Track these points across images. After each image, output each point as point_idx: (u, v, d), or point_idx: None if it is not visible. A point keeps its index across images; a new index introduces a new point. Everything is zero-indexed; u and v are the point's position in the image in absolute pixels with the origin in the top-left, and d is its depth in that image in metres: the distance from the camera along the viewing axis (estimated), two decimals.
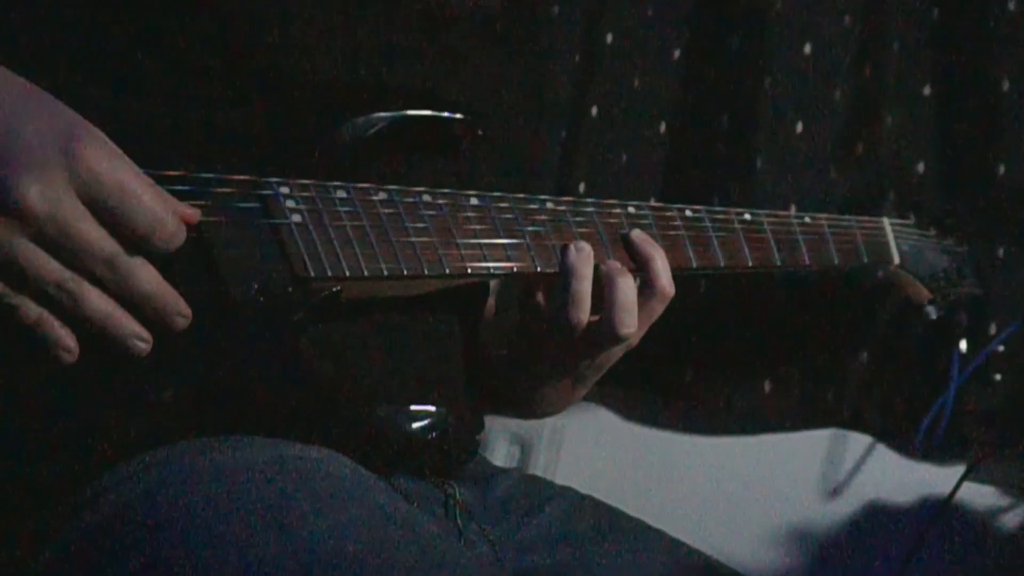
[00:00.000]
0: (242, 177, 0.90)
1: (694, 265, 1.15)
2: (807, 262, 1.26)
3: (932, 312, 1.45)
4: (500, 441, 1.73)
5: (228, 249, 0.87)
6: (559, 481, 1.29)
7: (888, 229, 1.39)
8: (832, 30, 1.62)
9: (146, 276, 0.82)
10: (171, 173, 0.86)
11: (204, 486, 0.83)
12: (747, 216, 1.22)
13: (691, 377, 1.66)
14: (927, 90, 1.63)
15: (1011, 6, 1.56)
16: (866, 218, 1.37)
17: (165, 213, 0.81)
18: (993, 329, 1.56)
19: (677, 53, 1.69)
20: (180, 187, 0.86)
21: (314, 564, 0.77)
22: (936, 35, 1.62)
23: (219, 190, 0.88)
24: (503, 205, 1.04)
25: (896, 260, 1.39)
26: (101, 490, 0.83)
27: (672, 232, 1.14)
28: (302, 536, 0.79)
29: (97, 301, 0.81)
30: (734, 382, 1.65)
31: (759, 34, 1.62)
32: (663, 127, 1.69)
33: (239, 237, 0.88)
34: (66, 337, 0.81)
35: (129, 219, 0.80)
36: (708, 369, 1.65)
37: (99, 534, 0.82)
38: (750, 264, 1.20)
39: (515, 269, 1.04)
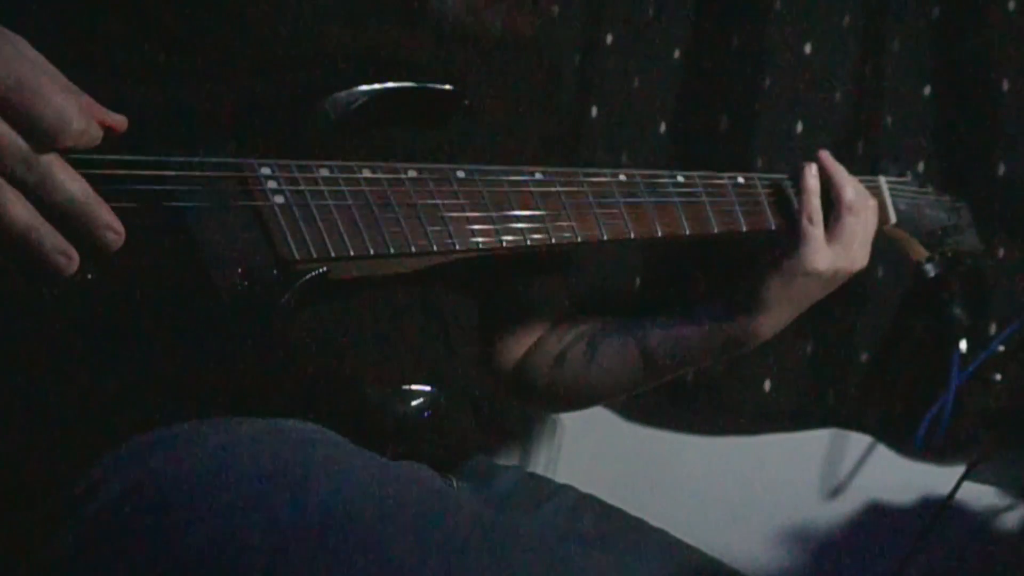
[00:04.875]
0: (222, 160, 0.89)
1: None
2: None
3: (930, 270, 1.41)
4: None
5: (210, 234, 0.86)
6: (559, 480, 1.29)
7: (884, 188, 1.35)
8: (832, 30, 1.62)
9: (66, 176, 0.77)
10: (148, 159, 0.84)
11: (208, 460, 0.83)
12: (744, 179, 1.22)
13: (692, 377, 1.66)
14: (927, 90, 1.63)
15: (1011, 6, 1.56)
16: (862, 177, 1.33)
17: (72, 109, 0.77)
18: (993, 329, 1.56)
19: (677, 53, 1.69)
20: (158, 171, 0.85)
21: (328, 517, 0.78)
22: (936, 35, 1.62)
23: (199, 174, 0.87)
24: (490, 179, 1.02)
25: (893, 219, 1.35)
26: (107, 473, 0.83)
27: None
28: (311, 493, 0.79)
29: (19, 208, 0.76)
30: (734, 382, 1.64)
31: (759, 34, 1.62)
32: (663, 127, 1.69)
33: (220, 222, 0.87)
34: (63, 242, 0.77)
35: (33, 117, 0.75)
36: (708, 369, 1.64)
37: (114, 514, 0.81)
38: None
39: (504, 244, 1.01)
